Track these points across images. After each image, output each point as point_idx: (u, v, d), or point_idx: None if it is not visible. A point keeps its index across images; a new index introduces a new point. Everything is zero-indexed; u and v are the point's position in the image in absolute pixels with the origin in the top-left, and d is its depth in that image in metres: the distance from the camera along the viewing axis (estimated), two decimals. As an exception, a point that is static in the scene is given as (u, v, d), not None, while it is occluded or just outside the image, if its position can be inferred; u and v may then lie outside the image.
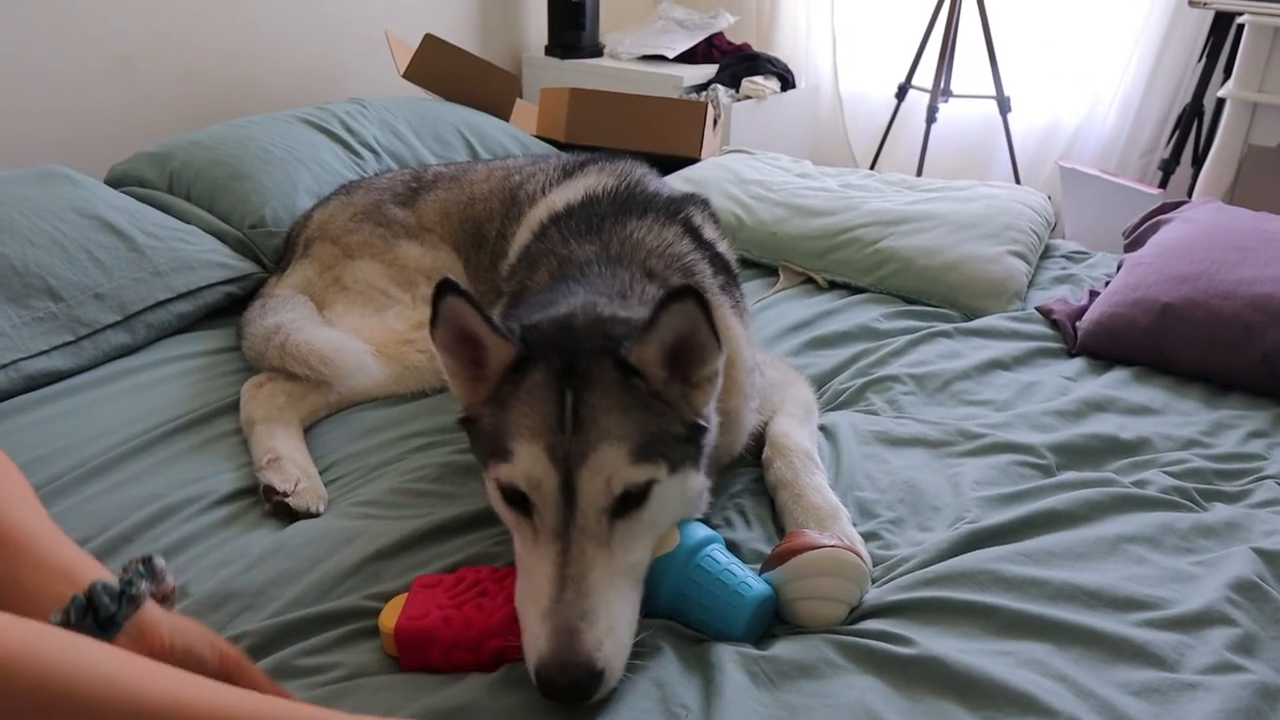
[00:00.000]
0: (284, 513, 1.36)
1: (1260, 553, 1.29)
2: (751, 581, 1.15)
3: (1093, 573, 1.26)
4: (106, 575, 0.91)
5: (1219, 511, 1.43)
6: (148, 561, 0.95)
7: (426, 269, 1.89)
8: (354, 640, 1.13)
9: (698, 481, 1.21)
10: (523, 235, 1.66)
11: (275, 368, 1.64)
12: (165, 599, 0.97)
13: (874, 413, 1.72)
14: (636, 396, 1.13)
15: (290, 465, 1.43)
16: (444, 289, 1.11)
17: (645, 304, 1.30)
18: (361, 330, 1.74)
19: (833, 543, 1.18)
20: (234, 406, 1.63)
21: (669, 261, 1.47)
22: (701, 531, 1.19)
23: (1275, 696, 1.06)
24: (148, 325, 1.84)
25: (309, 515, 1.36)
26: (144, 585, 0.90)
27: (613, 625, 1.02)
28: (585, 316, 1.21)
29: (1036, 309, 2.13)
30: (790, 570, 1.15)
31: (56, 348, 1.70)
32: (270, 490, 1.38)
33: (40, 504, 0.99)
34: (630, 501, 1.09)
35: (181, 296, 1.89)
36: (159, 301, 1.85)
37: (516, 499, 1.11)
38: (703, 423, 1.19)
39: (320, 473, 1.49)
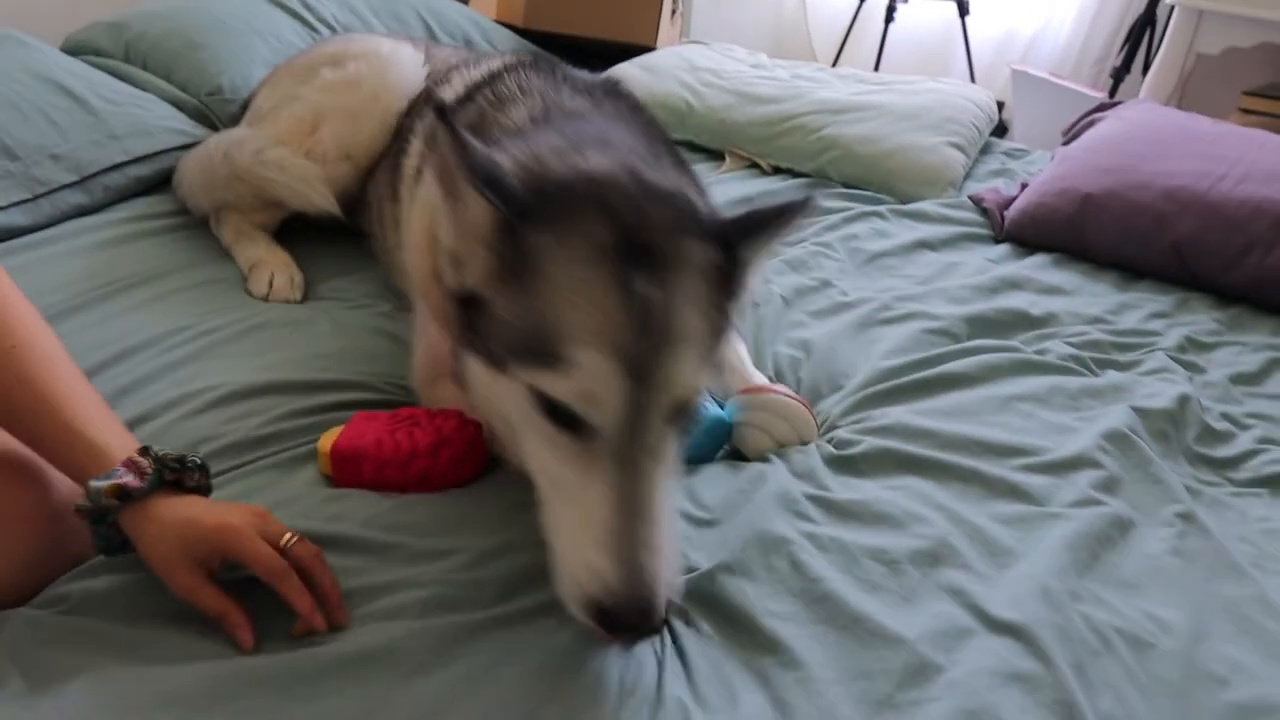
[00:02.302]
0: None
1: (1137, 410, 1.42)
2: (709, 406, 1.28)
3: (982, 426, 1.38)
4: (132, 449, 0.97)
5: (1109, 377, 1.55)
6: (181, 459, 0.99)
7: (332, 54, 1.83)
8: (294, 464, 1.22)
9: None
10: (469, 76, 1.50)
11: (224, 190, 1.75)
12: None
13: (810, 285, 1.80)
14: (712, 292, 0.97)
15: (263, 269, 1.65)
16: (441, 112, 0.94)
17: (681, 182, 1.09)
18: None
19: (781, 388, 1.35)
20: (190, 265, 1.70)
21: (658, 136, 1.33)
22: None
23: (1126, 526, 1.19)
24: (104, 187, 1.88)
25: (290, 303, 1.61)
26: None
27: (671, 551, 0.90)
28: (636, 180, 0.99)
29: (969, 198, 2.23)
30: (740, 401, 1.32)
31: (15, 204, 1.74)
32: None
33: (75, 369, 1.04)
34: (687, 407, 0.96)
35: (138, 160, 1.92)
36: (116, 164, 1.89)
37: (557, 410, 0.91)
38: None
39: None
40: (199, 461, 1.00)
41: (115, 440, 0.98)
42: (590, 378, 0.88)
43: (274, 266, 1.66)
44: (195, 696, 0.86)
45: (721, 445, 1.31)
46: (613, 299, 0.89)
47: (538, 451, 0.94)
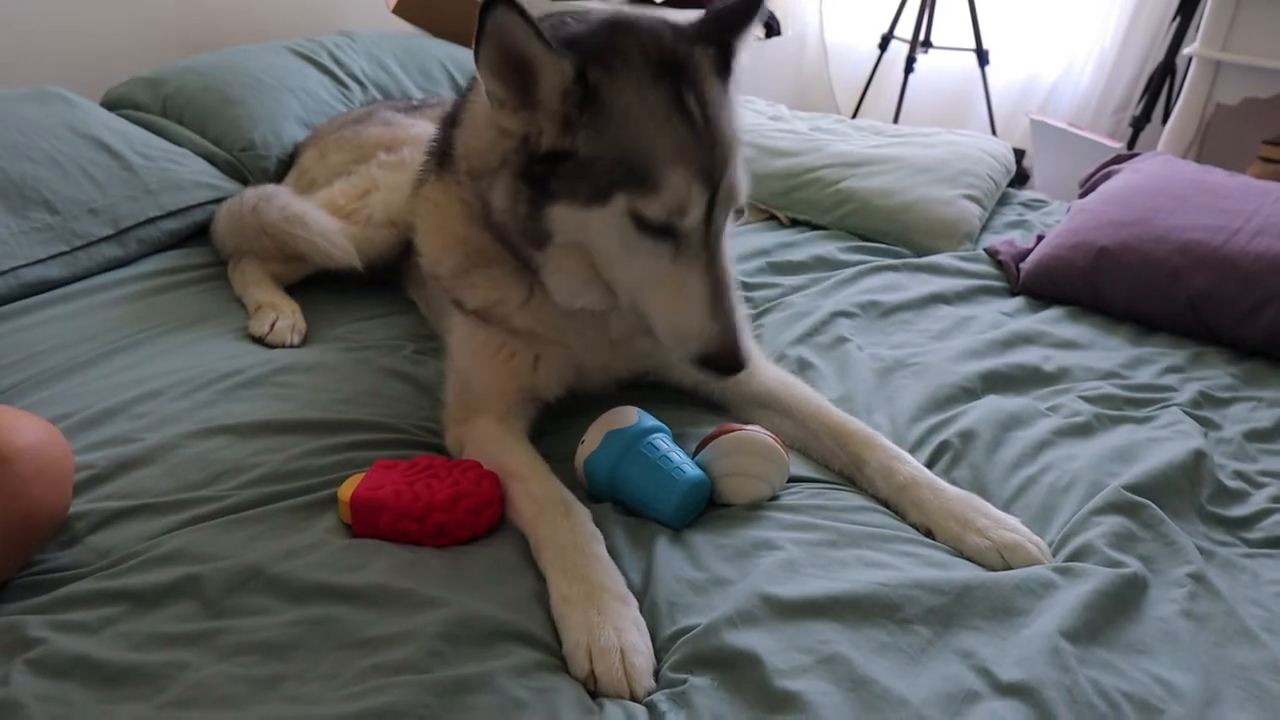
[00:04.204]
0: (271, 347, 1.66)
1: (1151, 467, 1.41)
2: (687, 468, 1.27)
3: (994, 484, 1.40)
4: None
5: (1122, 432, 1.55)
6: None
7: (387, 141, 1.98)
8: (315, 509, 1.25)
9: None
10: None
11: (251, 241, 1.86)
12: None
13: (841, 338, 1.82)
14: (726, 86, 1.21)
15: (269, 310, 1.72)
16: (492, 3, 1.07)
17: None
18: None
19: (753, 428, 1.32)
20: (218, 314, 1.76)
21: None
22: (653, 420, 1.33)
23: (1140, 587, 1.19)
24: (139, 240, 1.95)
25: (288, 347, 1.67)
26: None
27: (741, 310, 1.21)
28: (637, 13, 1.24)
29: (984, 250, 2.25)
30: (716, 449, 1.30)
31: (53, 257, 1.81)
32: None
33: None
34: None
35: (171, 214, 2.00)
36: (150, 218, 1.96)
37: (647, 224, 1.15)
38: None
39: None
40: None
41: None
42: (679, 193, 1.12)
43: (279, 310, 1.74)
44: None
45: (705, 503, 1.30)
46: (675, 122, 1.12)
47: (632, 265, 1.19)
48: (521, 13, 1.07)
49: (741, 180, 1.19)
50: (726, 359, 1.18)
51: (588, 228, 1.19)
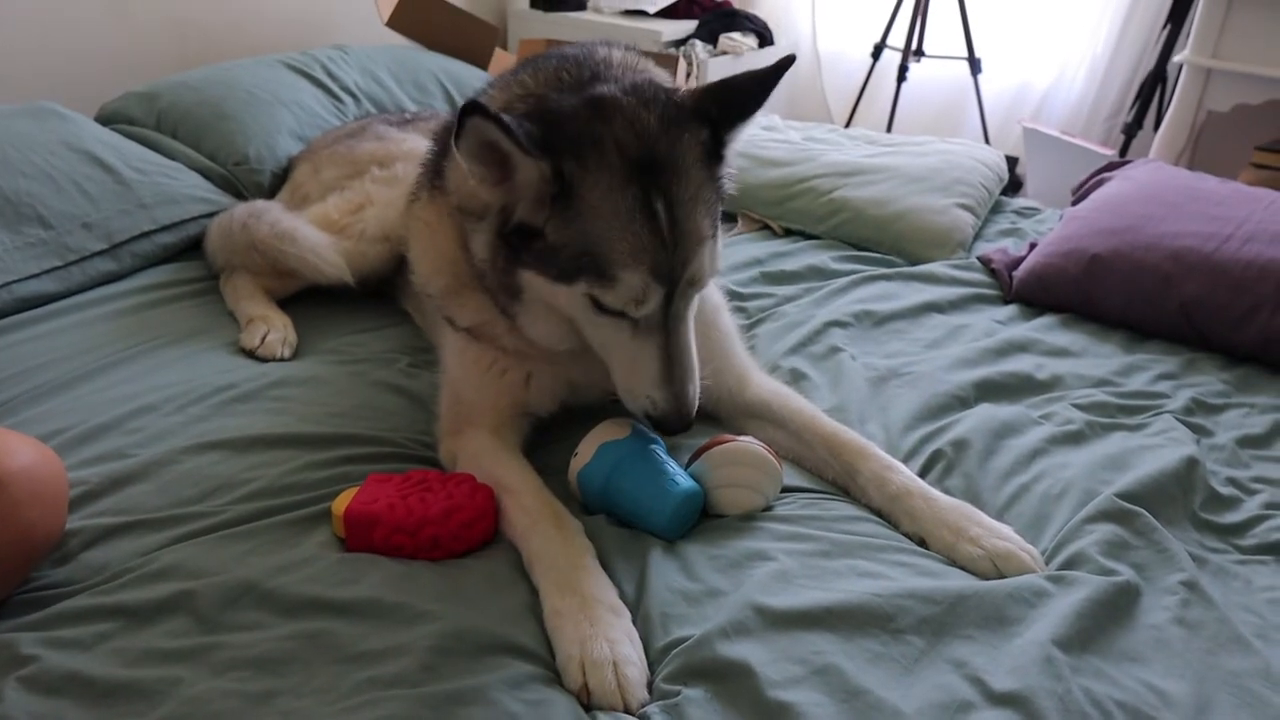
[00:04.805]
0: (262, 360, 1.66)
1: (1144, 474, 1.41)
2: (680, 479, 1.28)
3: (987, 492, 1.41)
4: None
5: (1115, 440, 1.56)
6: None
7: (380, 157, 1.98)
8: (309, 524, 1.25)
9: None
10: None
11: (242, 257, 1.86)
12: None
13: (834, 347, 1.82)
14: (711, 176, 1.24)
15: (260, 324, 1.73)
16: (470, 109, 1.10)
17: (648, 66, 1.35)
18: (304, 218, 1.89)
19: (746, 439, 1.33)
20: (212, 328, 1.76)
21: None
22: (647, 433, 1.34)
23: (1133, 594, 1.19)
24: (133, 254, 1.95)
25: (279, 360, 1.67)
26: None
27: (695, 376, 1.27)
28: (623, 89, 1.23)
29: (977, 258, 2.25)
30: (709, 460, 1.30)
31: (47, 271, 1.81)
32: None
33: None
34: None
35: (166, 228, 2.00)
36: (144, 232, 1.96)
37: (606, 308, 1.21)
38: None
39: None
40: None
41: None
42: (634, 290, 1.17)
43: (270, 324, 1.74)
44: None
45: (698, 514, 1.31)
46: (638, 225, 1.15)
47: (595, 332, 1.26)
48: (497, 120, 1.10)
49: (707, 267, 1.24)
50: (673, 421, 1.26)
51: (555, 297, 1.25)
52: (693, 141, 1.21)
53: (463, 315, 1.45)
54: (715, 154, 1.25)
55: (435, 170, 1.50)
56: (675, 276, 1.20)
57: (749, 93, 1.26)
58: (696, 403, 1.28)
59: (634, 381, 1.26)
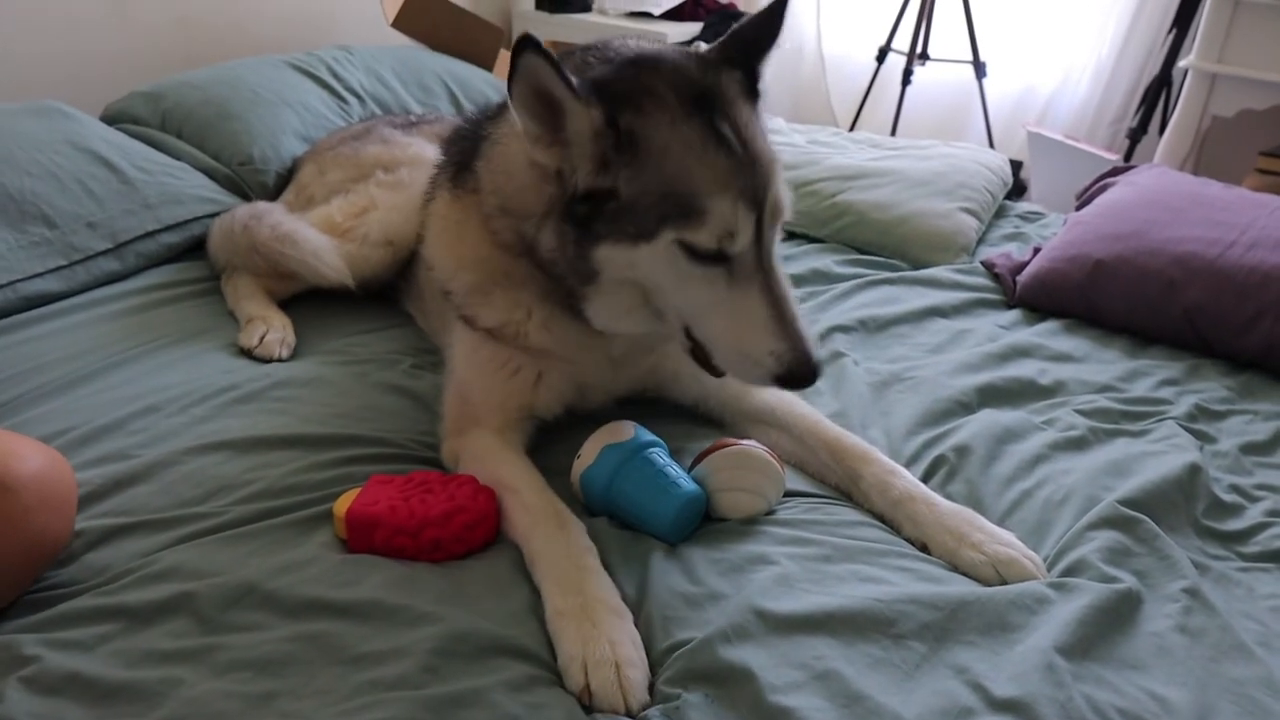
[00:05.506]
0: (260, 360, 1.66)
1: (1147, 481, 1.41)
2: (683, 483, 1.28)
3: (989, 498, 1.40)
4: None
5: (1118, 446, 1.55)
6: None
7: (385, 160, 1.97)
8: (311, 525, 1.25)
9: None
10: None
11: (243, 259, 1.86)
12: None
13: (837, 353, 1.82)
14: (755, 107, 1.24)
15: (259, 323, 1.73)
16: (524, 44, 1.09)
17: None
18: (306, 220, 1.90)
19: (749, 443, 1.32)
20: (215, 328, 1.76)
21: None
22: (649, 435, 1.34)
23: (1134, 602, 1.19)
24: (137, 254, 1.95)
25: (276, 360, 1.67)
26: None
27: (805, 320, 1.21)
28: (660, 52, 1.24)
29: (981, 263, 2.25)
30: (712, 463, 1.30)
31: (51, 271, 1.81)
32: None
33: None
34: None
35: (170, 228, 2.00)
36: (148, 232, 1.96)
37: (698, 253, 1.16)
38: None
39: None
40: None
41: None
42: (726, 219, 1.13)
43: (269, 324, 1.74)
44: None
45: (700, 517, 1.30)
46: (713, 151, 1.14)
47: (686, 297, 1.20)
48: (548, 58, 1.10)
49: (785, 195, 1.22)
50: (802, 374, 1.18)
51: (636, 264, 1.20)
52: (732, 79, 1.22)
53: (486, 314, 1.43)
54: (753, 91, 1.26)
55: (457, 171, 1.48)
56: (760, 198, 1.17)
57: (764, 26, 1.29)
58: (817, 352, 1.20)
59: (746, 340, 1.18)
